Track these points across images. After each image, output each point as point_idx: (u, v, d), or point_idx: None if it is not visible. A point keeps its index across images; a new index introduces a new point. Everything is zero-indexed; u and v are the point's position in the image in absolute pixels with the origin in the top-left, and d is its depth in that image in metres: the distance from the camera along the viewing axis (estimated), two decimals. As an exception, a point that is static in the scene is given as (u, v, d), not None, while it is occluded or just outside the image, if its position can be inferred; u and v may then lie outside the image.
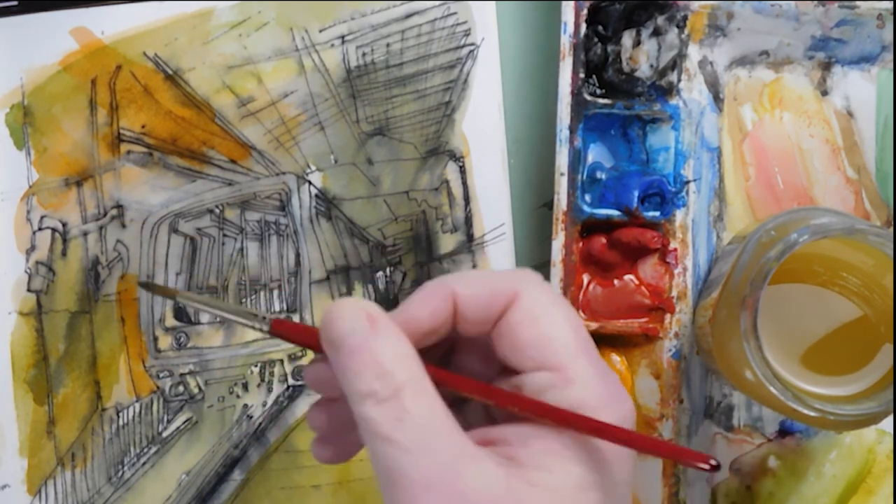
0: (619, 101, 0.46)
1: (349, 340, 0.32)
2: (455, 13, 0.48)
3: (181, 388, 0.47)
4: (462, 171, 0.48)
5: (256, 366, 0.47)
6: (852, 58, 0.47)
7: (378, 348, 0.32)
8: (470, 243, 0.48)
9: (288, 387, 0.48)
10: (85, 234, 0.47)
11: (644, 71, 0.47)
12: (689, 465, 0.32)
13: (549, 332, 0.33)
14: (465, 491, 0.30)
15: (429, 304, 0.33)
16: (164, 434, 0.47)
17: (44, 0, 0.47)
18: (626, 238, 0.46)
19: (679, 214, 0.46)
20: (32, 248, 0.47)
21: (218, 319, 0.47)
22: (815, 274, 0.41)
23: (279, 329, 0.35)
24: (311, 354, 0.47)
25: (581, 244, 0.46)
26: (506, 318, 0.33)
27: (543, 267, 0.47)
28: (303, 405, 0.48)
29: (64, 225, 0.47)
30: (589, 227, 0.46)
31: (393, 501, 0.31)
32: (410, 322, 0.33)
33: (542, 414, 0.32)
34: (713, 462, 0.31)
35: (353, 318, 0.32)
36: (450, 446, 0.31)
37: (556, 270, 0.45)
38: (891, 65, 0.47)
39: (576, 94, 0.46)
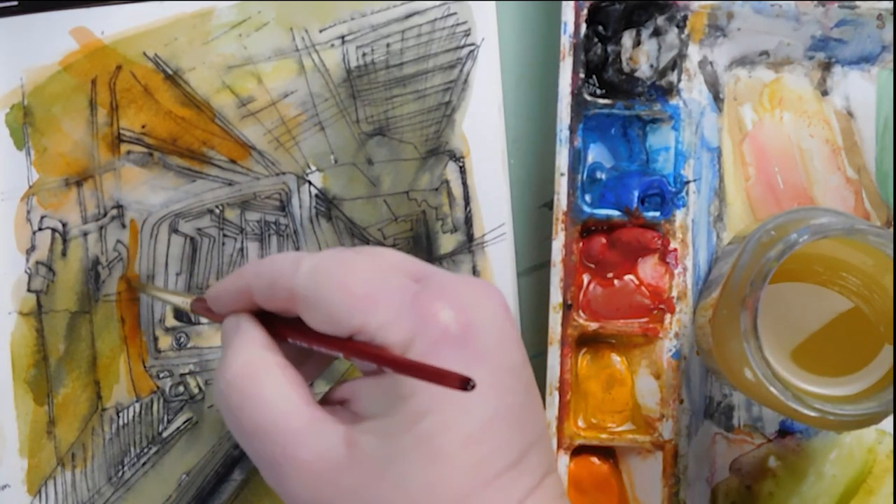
0: (619, 101, 0.46)
1: (224, 342, 0.37)
2: (455, 13, 0.48)
3: (181, 388, 0.47)
4: (462, 171, 0.48)
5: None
6: (852, 58, 0.47)
7: (228, 348, 0.36)
8: (470, 243, 0.48)
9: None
10: (85, 234, 0.47)
11: (644, 71, 0.47)
12: (443, 385, 0.31)
13: (331, 309, 0.34)
14: (310, 461, 0.33)
15: (227, 294, 0.37)
16: (165, 434, 0.47)
17: (44, 0, 0.47)
18: (626, 238, 0.46)
19: (679, 214, 0.46)
20: (32, 248, 0.47)
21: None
22: (815, 274, 0.41)
23: (196, 308, 0.40)
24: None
25: (581, 244, 0.46)
26: (299, 312, 0.35)
27: (543, 267, 0.47)
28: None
29: (64, 225, 0.47)
30: (589, 227, 0.46)
31: (266, 480, 0.35)
32: (219, 305, 0.38)
33: (346, 354, 0.34)
34: (468, 381, 0.30)
35: (228, 323, 0.37)
36: (291, 423, 0.34)
37: (556, 270, 0.45)
38: (891, 65, 0.47)
39: (576, 94, 0.46)
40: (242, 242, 0.48)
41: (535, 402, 0.35)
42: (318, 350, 0.35)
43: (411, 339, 0.33)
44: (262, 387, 0.34)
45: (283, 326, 0.36)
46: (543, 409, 0.37)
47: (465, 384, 0.30)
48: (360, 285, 0.34)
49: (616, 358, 0.47)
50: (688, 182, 0.46)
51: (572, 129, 0.46)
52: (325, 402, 0.36)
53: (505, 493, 0.33)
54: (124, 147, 0.47)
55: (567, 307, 0.45)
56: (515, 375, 0.35)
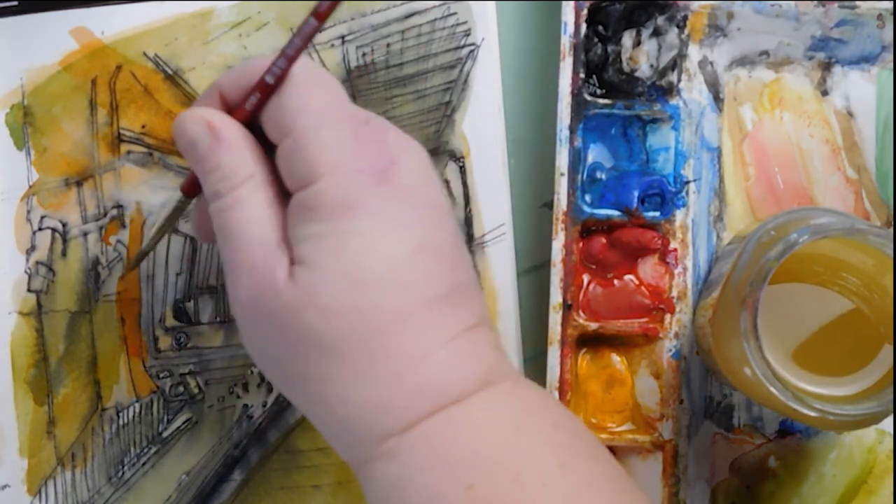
0: (619, 101, 0.46)
1: (197, 149, 0.36)
2: (455, 13, 0.48)
3: (181, 389, 0.47)
4: (462, 171, 0.48)
5: (257, 366, 0.47)
6: (852, 58, 0.47)
7: (220, 155, 0.36)
8: (470, 243, 0.48)
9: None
10: (85, 234, 0.47)
11: (644, 71, 0.47)
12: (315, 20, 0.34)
13: (287, 93, 0.36)
14: (261, 277, 0.35)
15: (204, 100, 0.38)
16: (165, 434, 0.47)
17: (44, 0, 0.47)
18: (626, 238, 0.46)
19: (679, 214, 0.46)
20: (32, 248, 0.47)
21: (218, 319, 0.47)
22: (815, 274, 0.41)
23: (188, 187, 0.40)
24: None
25: (581, 244, 0.46)
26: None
27: (543, 267, 0.47)
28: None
29: (64, 225, 0.47)
30: (589, 227, 0.46)
31: (228, 284, 0.36)
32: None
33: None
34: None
35: (196, 128, 0.36)
36: (263, 240, 0.35)
37: (556, 270, 0.45)
38: (891, 65, 0.47)
39: (576, 94, 0.46)
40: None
41: (462, 253, 0.37)
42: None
43: (338, 161, 0.34)
44: (251, 208, 0.36)
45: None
46: (470, 264, 0.38)
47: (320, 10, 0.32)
48: (323, 96, 0.35)
49: (616, 358, 0.47)
50: (688, 182, 0.46)
51: (572, 129, 0.46)
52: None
53: (435, 323, 0.34)
54: (124, 147, 0.47)
55: (567, 307, 0.45)
56: (441, 215, 0.36)
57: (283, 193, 0.36)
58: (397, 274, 0.34)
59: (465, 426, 0.34)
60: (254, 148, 0.37)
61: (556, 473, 0.33)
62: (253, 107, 0.36)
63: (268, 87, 0.36)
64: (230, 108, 0.37)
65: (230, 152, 0.36)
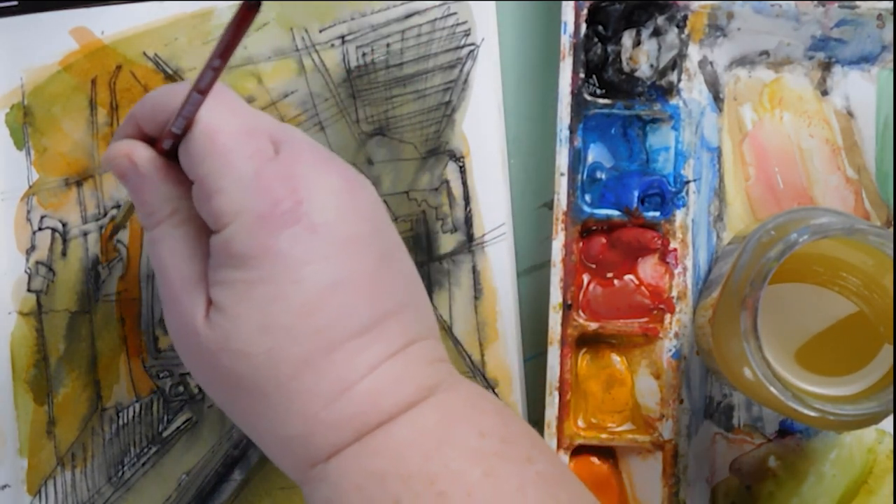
0: (619, 101, 0.46)
1: (126, 183, 0.38)
2: (455, 13, 0.48)
3: (181, 388, 0.47)
4: (462, 171, 0.48)
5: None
6: (852, 58, 0.47)
7: (144, 192, 0.37)
8: (470, 243, 0.48)
9: (288, 387, 0.47)
10: (85, 234, 0.47)
11: (644, 71, 0.47)
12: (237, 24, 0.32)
13: (192, 139, 0.35)
14: (185, 319, 0.35)
15: (124, 129, 0.38)
16: (165, 434, 0.47)
17: (44, 0, 0.47)
18: (626, 238, 0.46)
19: (679, 214, 0.46)
20: (32, 248, 0.47)
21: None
22: (815, 274, 0.41)
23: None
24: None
25: (581, 244, 0.46)
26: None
27: (543, 267, 0.47)
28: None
29: (64, 225, 0.47)
30: (589, 227, 0.46)
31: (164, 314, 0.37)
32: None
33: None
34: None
35: (121, 164, 0.37)
36: (183, 277, 0.36)
37: (556, 270, 0.45)
38: (891, 65, 0.47)
39: (576, 94, 0.46)
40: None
41: (394, 271, 0.36)
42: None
43: (241, 210, 0.34)
44: (173, 244, 0.36)
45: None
46: (416, 277, 0.38)
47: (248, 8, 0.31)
48: (225, 138, 0.35)
49: (616, 358, 0.47)
50: (688, 182, 0.46)
51: (572, 129, 0.46)
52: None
53: (350, 360, 0.34)
54: (124, 147, 0.47)
55: (567, 307, 0.45)
56: (360, 245, 0.35)
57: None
58: (306, 318, 0.34)
59: (388, 447, 0.34)
60: (178, 181, 0.37)
61: (480, 482, 0.33)
62: (169, 147, 0.37)
63: (176, 136, 0.36)
64: (150, 139, 0.38)
65: (152, 190, 0.37)
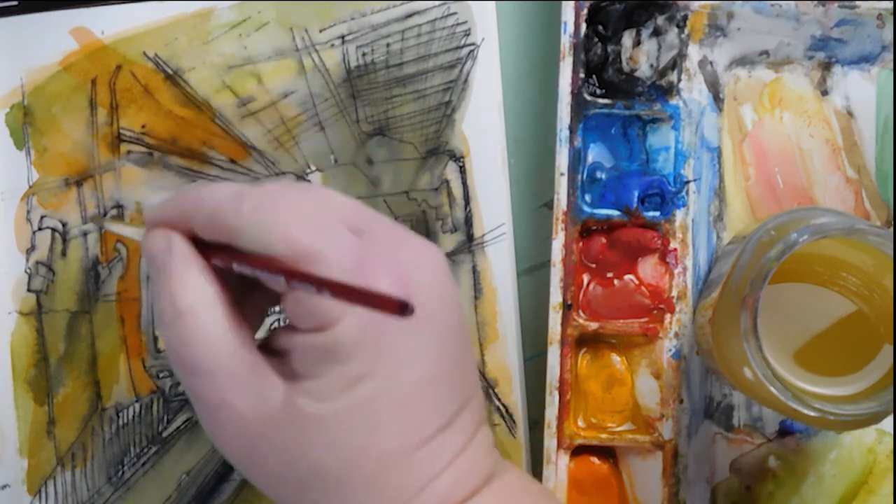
0: (619, 101, 0.46)
1: (155, 264, 0.35)
2: (455, 13, 0.48)
3: (181, 388, 0.47)
4: (462, 171, 0.48)
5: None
6: (852, 58, 0.47)
7: (171, 277, 0.34)
8: (470, 243, 0.48)
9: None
10: (85, 234, 0.47)
11: (644, 71, 0.47)
12: (380, 310, 0.30)
13: (270, 255, 0.33)
14: (245, 411, 0.33)
15: (165, 221, 0.35)
16: (164, 434, 0.47)
17: (44, 0, 0.47)
18: (626, 238, 0.46)
19: (679, 214, 0.46)
20: (32, 248, 0.47)
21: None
22: (815, 274, 0.41)
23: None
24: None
25: (581, 244, 0.46)
26: (238, 247, 0.34)
27: (543, 267, 0.47)
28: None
29: (64, 225, 0.47)
30: (589, 227, 0.46)
31: (200, 421, 0.35)
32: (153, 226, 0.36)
33: (277, 273, 0.33)
34: (406, 306, 0.29)
35: (157, 243, 0.35)
36: (233, 367, 0.33)
37: (556, 270, 0.45)
38: (891, 65, 0.47)
39: (576, 94, 0.46)
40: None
41: (469, 361, 0.36)
42: (256, 275, 0.34)
43: (349, 309, 0.33)
44: (210, 324, 0.34)
45: (216, 253, 0.35)
46: (476, 364, 0.37)
47: (403, 309, 0.29)
48: (302, 236, 0.33)
49: (616, 358, 0.47)
50: (688, 182, 0.46)
51: (572, 129, 0.46)
52: (264, 348, 0.35)
53: (436, 455, 0.34)
54: (124, 147, 0.47)
55: (567, 307, 0.45)
56: (454, 338, 0.35)
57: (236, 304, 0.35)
58: (405, 414, 0.33)
59: None
60: (205, 269, 0.35)
61: None
62: (240, 272, 0.34)
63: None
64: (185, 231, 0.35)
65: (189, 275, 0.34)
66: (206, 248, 0.35)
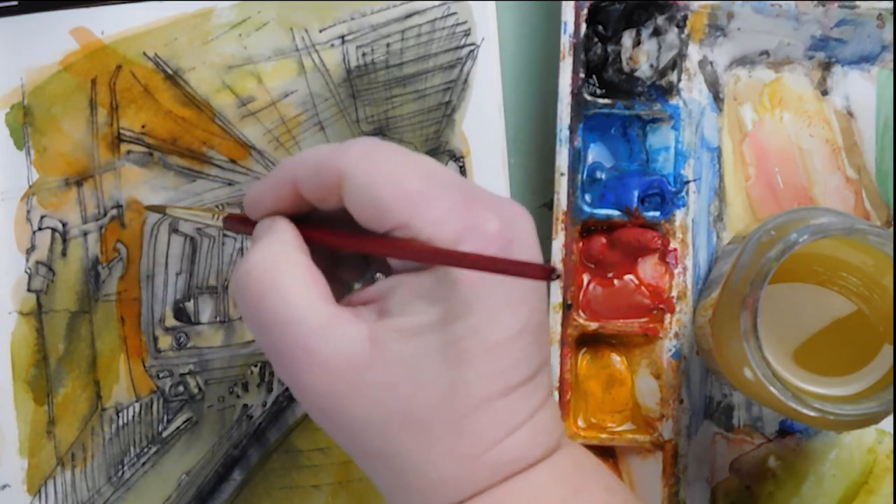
0: (619, 101, 0.46)
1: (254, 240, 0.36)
2: (455, 13, 0.48)
3: (181, 388, 0.47)
4: (462, 171, 0.48)
5: (256, 366, 0.47)
6: (852, 58, 0.47)
7: (264, 240, 0.35)
8: (470, 243, 0.48)
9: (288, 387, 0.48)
10: (85, 234, 0.47)
11: (644, 71, 0.47)
12: (527, 277, 0.31)
13: (380, 196, 0.33)
14: (332, 355, 0.33)
15: (269, 191, 0.36)
16: (164, 434, 0.47)
17: (44, 0, 0.47)
18: (626, 238, 0.46)
19: (679, 214, 0.46)
20: (32, 247, 0.47)
21: (218, 319, 0.47)
22: (815, 274, 0.41)
23: (229, 224, 0.39)
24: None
25: (581, 244, 0.46)
26: (344, 194, 0.34)
27: (543, 267, 0.47)
28: (303, 406, 0.48)
29: (64, 225, 0.47)
30: (589, 227, 0.46)
31: (280, 375, 0.35)
32: (258, 206, 0.37)
33: (390, 253, 0.34)
34: (553, 270, 0.30)
35: (262, 223, 0.36)
36: (312, 317, 0.33)
37: (556, 270, 0.45)
38: (891, 65, 0.47)
39: (576, 94, 0.46)
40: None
41: (547, 325, 0.36)
42: (357, 251, 0.35)
43: (459, 241, 0.33)
44: (284, 279, 0.34)
45: (321, 233, 0.36)
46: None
47: (550, 274, 0.30)
48: (413, 178, 0.34)
49: (616, 358, 0.47)
50: (688, 182, 0.46)
51: (572, 129, 0.46)
52: (349, 303, 0.35)
53: (518, 406, 0.34)
54: (124, 147, 0.47)
55: (567, 307, 0.45)
56: (541, 296, 0.35)
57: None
58: (495, 358, 0.34)
59: (529, 490, 0.34)
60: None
61: None
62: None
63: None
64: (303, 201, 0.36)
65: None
66: (305, 224, 0.36)
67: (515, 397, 0.34)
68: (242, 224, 0.38)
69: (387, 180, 0.33)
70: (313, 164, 0.35)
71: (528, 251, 0.35)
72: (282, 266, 0.34)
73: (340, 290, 0.39)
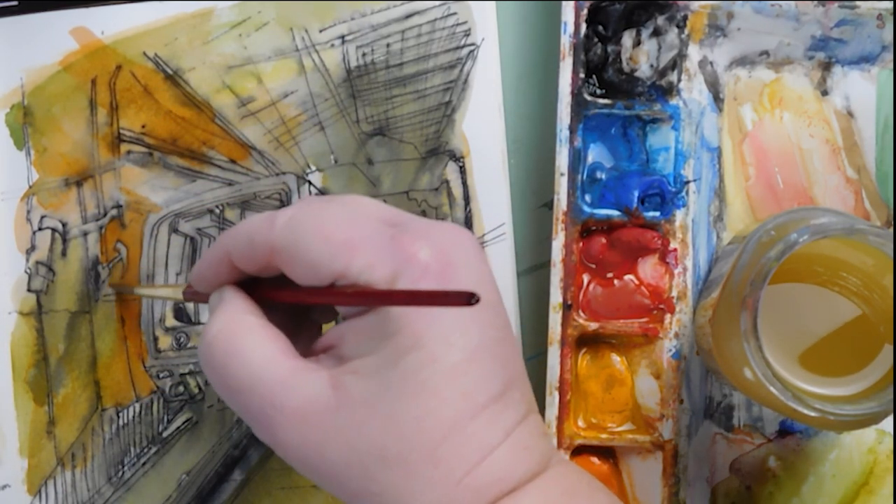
0: (619, 101, 0.46)
1: (210, 313, 0.37)
2: (455, 13, 0.48)
3: (181, 388, 0.47)
4: (462, 171, 0.48)
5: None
6: (852, 58, 0.47)
7: (219, 310, 0.37)
8: (470, 243, 0.48)
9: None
10: (85, 234, 0.47)
11: (644, 71, 0.47)
12: (448, 305, 0.32)
13: (310, 259, 0.34)
14: (299, 407, 0.34)
15: (209, 267, 0.38)
16: (165, 434, 0.47)
17: (44, 0, 0.47)
18: (626, 238, 0.46)
19: (679, 214, 0.46)
20: (32, 248, 0.47)
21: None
22: (815, 274, 0.41)
23: (188, 295, 0.41)
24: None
25: (581, 244, 0.46)
26: (278, 265, 0.36)
27: (543, 267, 0.47)
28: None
29: (64, 225, 0.47)
30: (589, 227, 0.46)
31: (259, 437, 0.36)
32: (202, 282, 0.38)
33: (330, 301, 0.35)
34: (472, 296, 0.30)
35: (212, 298, 0.38)
36: (275, 374, 0.34)
37: (556, 270, 0.45)
38: (891, 65, 0.47)
39: (576, 94, 0.46)
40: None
41: (512, 341, 0.37)
42: (308, 303, 0.36)
43: (395, 277, 0.34)
44: (241, 344, 0.35)
45: (268, 290, 0.37)
46: (519, 352, 0.38)
47: (469, 299, 0.30)
48: (337, 231, 0.34)
49: (616, 358, 0.47)
50: (688, 182, 0.46)
51: (572, 129, 0.46)
52: (311, 352, 0.36)
53: (491, 424, 0.34)
54: (124, 147, 0.47)
55: (567, 307, 0.45)
56: (494, 312, 0.36)
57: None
58: (456, 380, 0.34)
59: None
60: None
61: None
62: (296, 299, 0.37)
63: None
64: (239, 272, 0.37)
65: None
66: (254, 288, 0.37)
67: (485, 418, 0.34)
68: (199, 295, 0.40)
69: (314, 241, 0.34)
70: (245, 239, 0.36)
71: (472, 272, 0.35)
72: (237, 333, 0.35)
73: (316, 333, 0.40)
